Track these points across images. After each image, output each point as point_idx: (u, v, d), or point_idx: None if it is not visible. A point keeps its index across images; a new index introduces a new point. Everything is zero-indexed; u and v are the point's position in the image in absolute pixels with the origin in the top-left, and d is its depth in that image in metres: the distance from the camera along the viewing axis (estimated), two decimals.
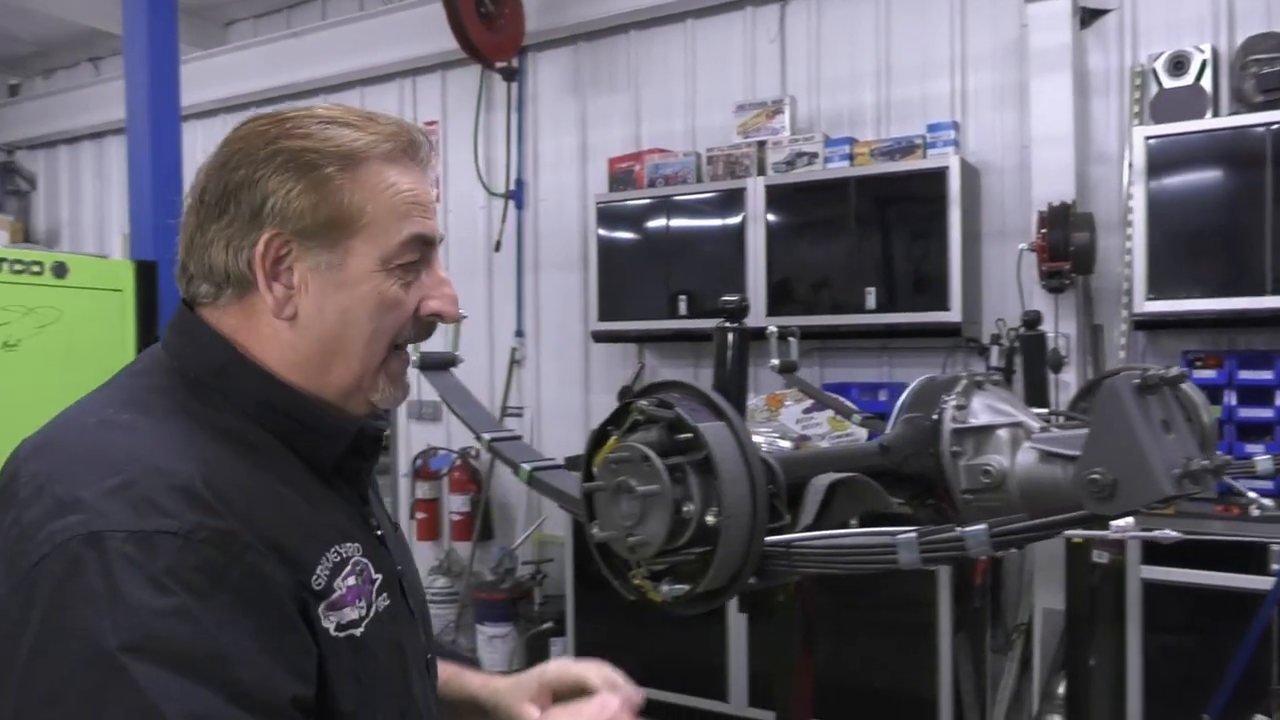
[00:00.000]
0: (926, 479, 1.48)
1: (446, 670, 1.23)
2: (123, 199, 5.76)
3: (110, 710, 0.70)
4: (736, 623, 3.84)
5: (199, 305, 0.93)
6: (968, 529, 0.92)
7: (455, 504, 5.15)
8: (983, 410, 1.49)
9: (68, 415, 0.88)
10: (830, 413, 3.96)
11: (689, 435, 1.06)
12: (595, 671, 1.21)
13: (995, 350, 3.81)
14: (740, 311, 1.23)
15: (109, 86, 6.42)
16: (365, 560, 0.92)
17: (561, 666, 1.26)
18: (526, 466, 1.54)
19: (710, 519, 1.04)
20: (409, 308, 0.94)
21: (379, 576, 0.93)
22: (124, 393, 0.90)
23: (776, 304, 4.01)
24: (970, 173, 3.81)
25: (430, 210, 0.96)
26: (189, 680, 0.72)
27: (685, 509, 1.06)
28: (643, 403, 1.12)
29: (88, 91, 6.70)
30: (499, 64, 4.82)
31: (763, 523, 1.05)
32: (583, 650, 4.24)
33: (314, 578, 0.85)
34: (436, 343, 1.80)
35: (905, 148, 3.81)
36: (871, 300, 3.80)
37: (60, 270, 2.43)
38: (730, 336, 1.23)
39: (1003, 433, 1.46)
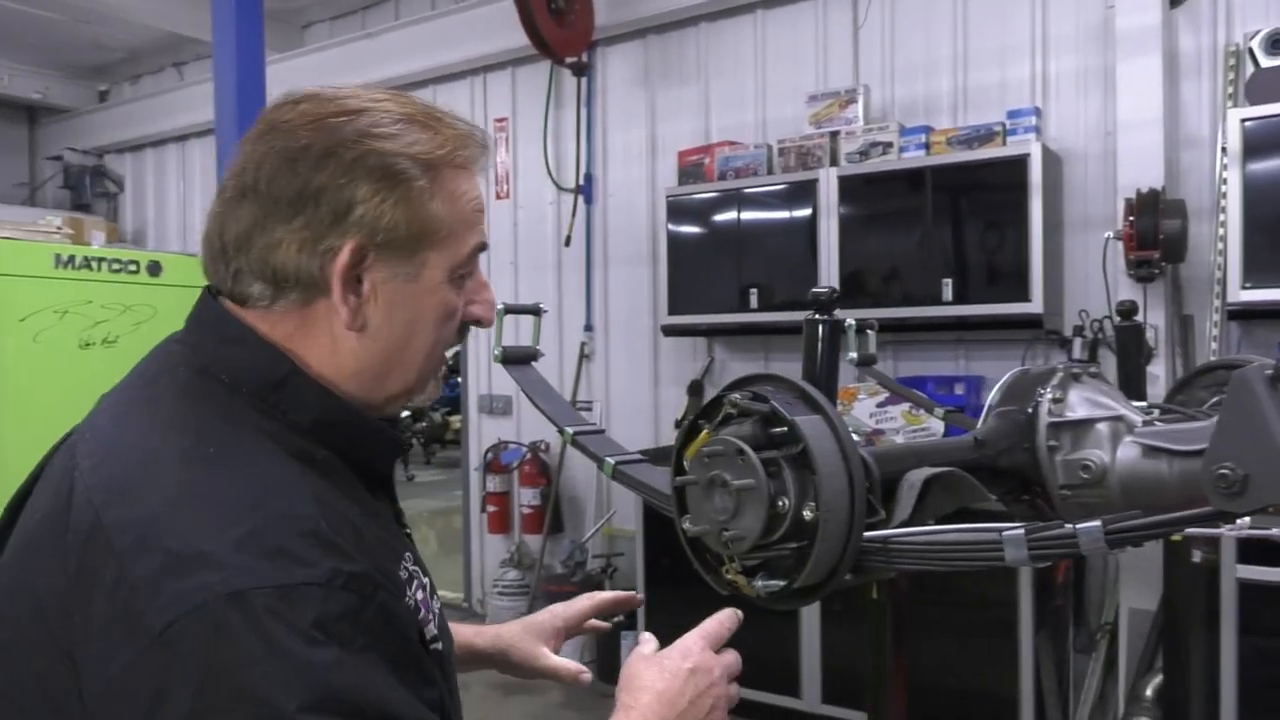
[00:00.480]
0: (1021, 474, 1.45)
1: (468, 630, 1.24)
2: (206, 199, 5.93)
3: None
4: (810, 619, 3.81)
5: (246, 307, 0.85)
6: (1080, 525, 0.89)
7: (526, 497, 5.20)
8: (1080, 403, 1.44)
9: (133, 446, 0.79)
10: (905, 407, 3.89)
11: (784, 429, 1.05)
12: (604, 597, 1.22)
13: (1078, 342, 3.72)
14: (831, 303, 1.21)
15: (192, 91, 6.63)
16: (418, 567, 0.88)
17: (568, 604, 1.26)
18: (610, 460, 1.53)
19: (807, 514, 1.03)
20: (459, 315, 0.92)
21: (427, 580, 0.90)
22: (184, 415, 0.80)
23: (849, 296, 3.95)
24: (1052, 160, 3.71)
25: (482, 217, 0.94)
26: None
27: (781, 503, 1.05)
28: (735, 396, 1.11)
29: (172, 96, 6.92)
30: (569, 59, 4.84)
31: (861, 518, 1.03)
32: None
33: (406, 599, 0.81)
34: (515, 336, 1.82)
35: (984, 135, 3.72)
36: (948, 292, 3.72)
37: (155, 269, 2.52)
38: (820, 328, 1.21)
39: (1102, 426, 1.41)
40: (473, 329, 0.97)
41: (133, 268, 2.41)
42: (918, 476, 1.17)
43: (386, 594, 0.75)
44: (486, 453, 5.37)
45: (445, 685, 0.85)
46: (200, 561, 0.69)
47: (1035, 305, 3.57)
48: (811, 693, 3.84)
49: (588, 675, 1.23)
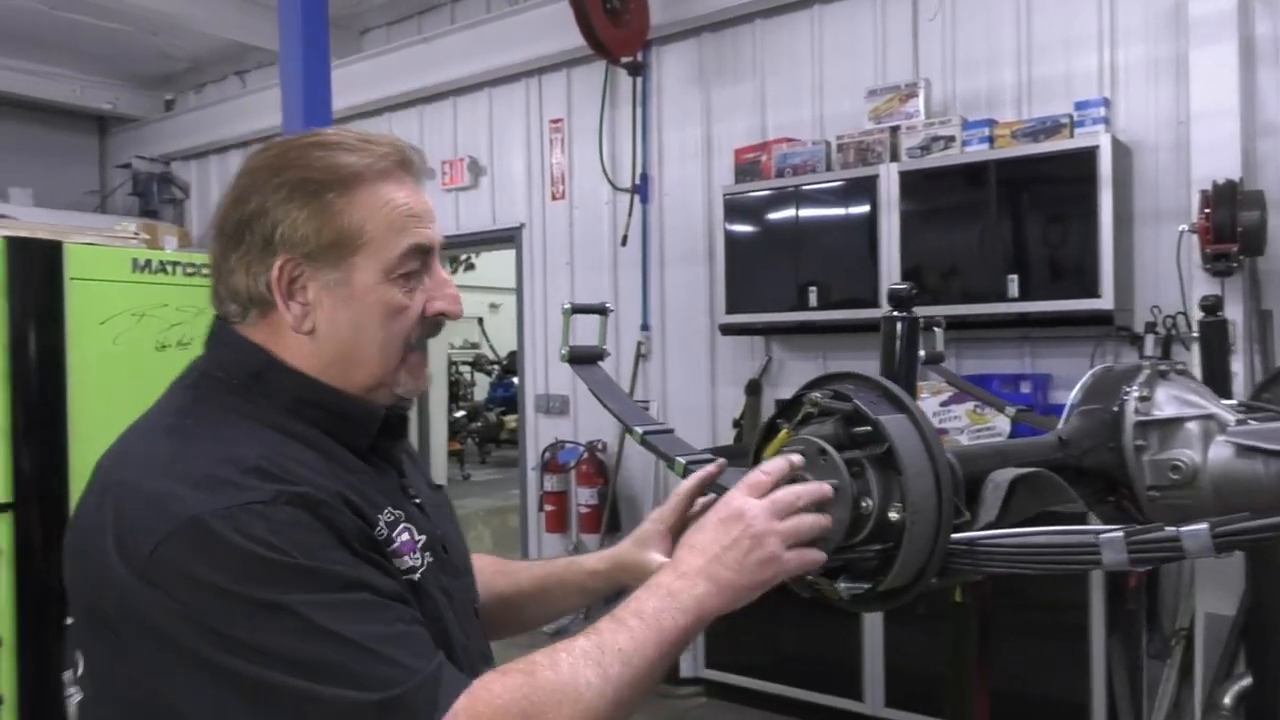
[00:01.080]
0: (1107, 475, 1.41)
1: (559, 562, 1.32)
2: None
3: (285, 639, 0.83)
4: (873, 620, 3.76)
5: (231, 323, 1.03)
6: (1185, 529, 0.86)
7: (583, 496, 5.21)
8: (1168, 401, 1.40)
9: (137, 427, 1.01)
10: (969, 405, 3.82)
11: (868, 429, 1.04)
12: (690, 484, 1.23)
13: (1150, 339, 3.61)
14: (910, 299, 1.18)
15: (255, 98, 6.77)
16: (410, 524, 1.02)
17: (663, 506, 1.27)
18: (681, 460, 1.51)
19: (893, 515, 1.01)
20: (415, 311, 1.03)
21: (422, 538, 1.03)
22: (179, 402, 1.01)
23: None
24: (1122, 152, 3.60)
25: (426, 220, 1.04)
26: (333, 595, 0.85)
27: (864, 504, 1.03)
28: (815, 394, 1.10)
29: (235, 104, 7.08)
30: (624, 59, 4.84)
31: (949, 520, 1.01)
32: (713, 644, 4.23)
33: (376, 530, 0.97)
34: (585, 336, 1.81)
35: (1050, 128, 3.63)
36: (1014, 288, 3.64)
37: None
38: (899, 326, 1.18)
39: (1193, 425, 1.37)
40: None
41: (205, 272, 2.45)
42: (1003, 477, 1.14)
43: (330, 509, 0.91)
44: (544, 452, 5.39)
45: (416, 605, 0.96)
46: (170, 498, 0.87)
47: (1105, 301, 3.47)
48: (875, 696, 3.79)
49: None
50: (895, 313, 1.20)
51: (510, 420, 11.84)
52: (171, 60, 7.22)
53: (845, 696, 3.84)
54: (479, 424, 12.33)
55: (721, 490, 1.06)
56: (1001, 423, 3.72)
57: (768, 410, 4.67)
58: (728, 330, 4.56)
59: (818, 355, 4.57)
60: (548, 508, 5.40)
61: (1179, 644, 3.53)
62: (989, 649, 1.20)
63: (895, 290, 1.19)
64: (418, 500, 1.10)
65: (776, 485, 0.99)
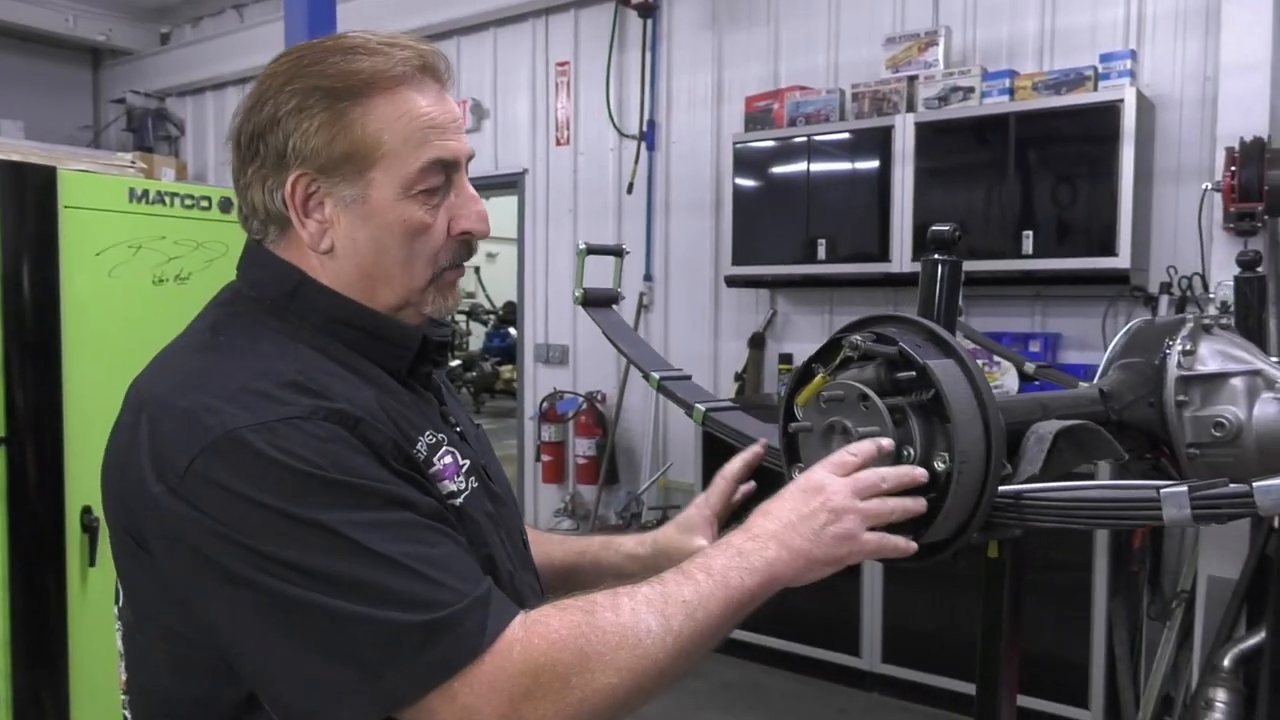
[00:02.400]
0: (1146, 430, 1.35)
1: (595, 539, 1.27)
2: None
3: (325, 558, 0.79)
4: (872, 576, 3.75)
5: (261, 241, 0.99)
6: (1260, 483, 0.81)
7: (581, 448, 5.18)
8: (1212, 356, 1.34)
9: (171, 346, 0.97)
10: (981, 362, 3.77)
11: (913, 374, 0.98)
12: (733, 468, 1.19)
13: (1165, 299, 3.55)
14: (953, 241, 1.12)
15: (252, 33, 6.60)
16: (453, 449, 0.98)
17: (707, 493, 1.22)
18: (701, 407, 1.47)
19: (939, 465, 0.96)
20: (440, 230, 0.97)
21: (466, 462, 0.98)
22: (212, 320, 0.97)
23: (922, 248, 3.82)
24: (1146, 106, 3.51)
25: (451, 131, 0.96)
26: (374, 513, 0.81)
27: (906, 453, 0.98)
28: (856, 338, 1.04)
29: (232, 39, 6.90)
30: (635, 0, 4.70)
31: (997, 471, 0.96)
32: None
33: (415, 450, 0.93)
34: (598, 278, 1.74)
35: (1074, 80, 3.53)
36: (1028, 245, 3.57)
37: (226, 205, 2.49)
38: (940, 269, 1.12)
39: (1237, 382, 1.31)
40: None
41: (205, 204, 2.38)
42: (1047, 429, 1.09)
43: (368, 426, 0.87)
44: (542, 402, 5.35)
45: (461, 530, 0.92)
46: (205, 412, 0.83)
47: (1122, 260, 3.41)
48: (872, 651, 3.79)
49: None
50: (937, 256, 1.13)
51: (506, 370, 11.77)
52: None
53: (843, 652, 3.84)
54: (474, 374, 12.28)
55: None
56: (1009, 381, 3.68)
57: (770, 365, 4.62)
58: (733, 282, 4.49)
59: (824, 309, 4.50)
60: (545, 458, 5.37)
61: (1179, 606, 3.53)
62: (1021, 608, 1.15)
63: (938, 232, 1.13)
64: (459, 429, 1.05)
65: (863, 468, 0.95)
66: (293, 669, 0.79)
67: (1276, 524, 3.06)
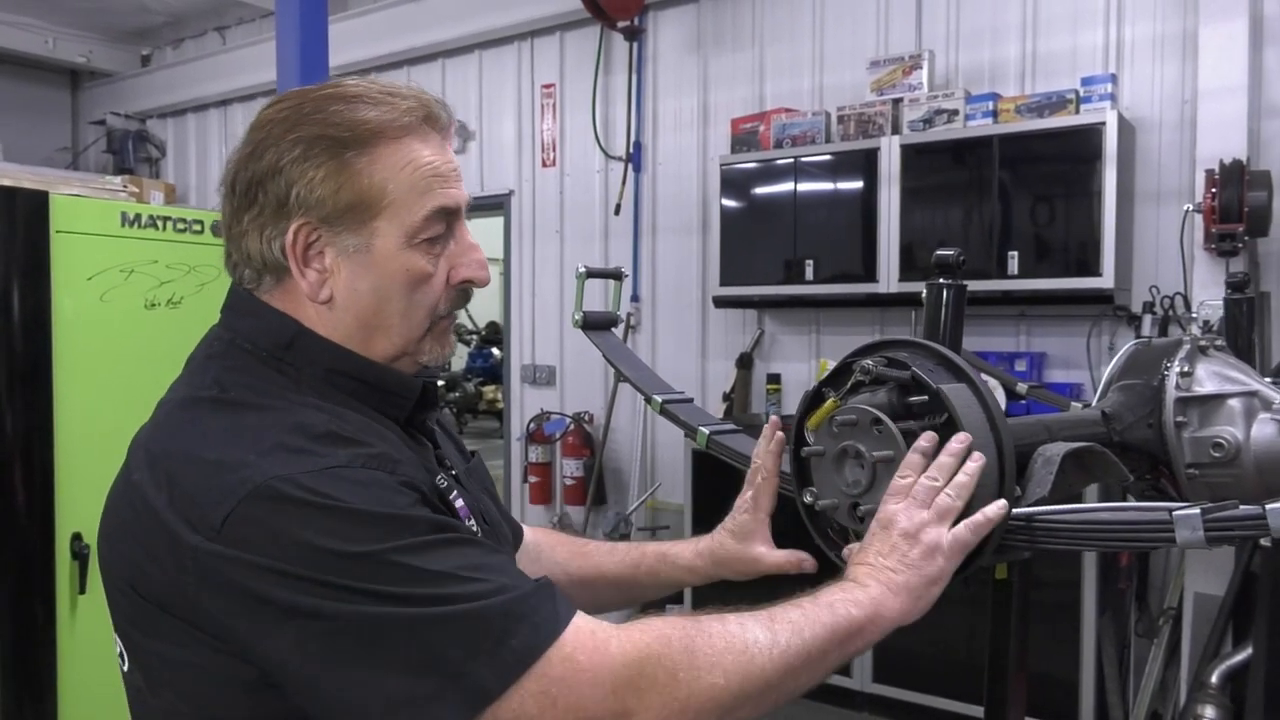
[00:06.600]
0: (1145, 451, 1.37)
1: (648, 550, 1.25)
2: None
3: (389, 581, 0.77)
4: None
5: (247, 289, 0.97)
6: (1273, 505, 0.82)
7: (568, 468, 5.17)
8: (1209, 377, 1.37)
9: (176, 403, 0.93)
10: None
11: (926, 398, 0.99)
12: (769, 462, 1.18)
13: (1148, 319, 3.60)
14: (958, 265, 1.13)
15: (234, 55, 6.59)
16: (462, 488, 1.00)
17: (754, 499, 1.21)
18: (705, 430, 1.47)
19: None
20: (440, 279, 0.96)
21: (474, 503, 1.01)
22: (213, 374, 0.93)
23: (909, 269, 3.86)
24: (1127, 129, 3.57)
25: (452, 179, 0.96)
26: (424, 537, 0.81)
27: None
28: (867, 362, 1.05)
29: (214, 60, 6.88)
30: (621, 23, 4.74)
31: (1010, 495, 0.97)
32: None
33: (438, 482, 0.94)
34: (589, 300, 1.75)
35: (1056, 103, 3.59)
36: (1014, 265, 3.61)
37: (219, 229, 2.48)
38: (945, 293, 1.14)
39: (1235, 402, 1.33)
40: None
41: (197, 227, 2.37)
42: (1054, 451, 1.10)
43: (407, 467, 0.87)
44: (529, 423, 5.33)
45: None
46: (238, 464, 0.81)
47: (1106, 280, 3.45)
48: (863, 671, 3.79)
49: (811, 562, 1.18)
50: (942, 280, 1.15)
51: (489, 391, 11.73)
52: (149, 14, 7.00)
53: (835, 672, 3.83)
54: (457, 394, 12.23)
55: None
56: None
57: (758, 385, 4.63)
58: (720, 302, 4.51)
59: (811, 329, 4.53)
60: (532, 479, 5.35)
61: (1166, 623, 3.55)
62: (1028, 629, 1.16)
63: (942, 256, 1.14)
64: (454, 472, 1.06)
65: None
66: (372, 690, 0.76)
67: (1263, 541, 3.10)
